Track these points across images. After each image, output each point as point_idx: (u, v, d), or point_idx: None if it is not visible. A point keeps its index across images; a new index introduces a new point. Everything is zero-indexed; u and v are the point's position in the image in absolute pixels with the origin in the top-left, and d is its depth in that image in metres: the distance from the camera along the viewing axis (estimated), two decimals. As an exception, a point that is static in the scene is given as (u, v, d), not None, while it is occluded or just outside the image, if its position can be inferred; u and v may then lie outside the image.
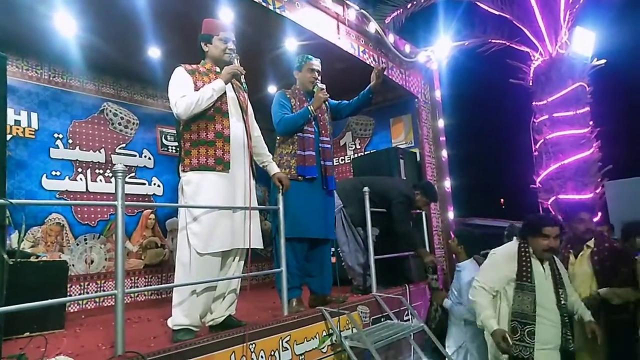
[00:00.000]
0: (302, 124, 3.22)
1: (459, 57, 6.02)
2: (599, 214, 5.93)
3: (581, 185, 5.72)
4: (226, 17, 3.31)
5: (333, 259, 3.77)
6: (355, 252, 4.06)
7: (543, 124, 6.08)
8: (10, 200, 1.68)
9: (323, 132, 3.37)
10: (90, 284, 4.41)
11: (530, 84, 6.40)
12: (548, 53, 6.14)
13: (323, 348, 2.87)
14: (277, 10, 3.44)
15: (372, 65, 4.48)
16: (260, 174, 2.86)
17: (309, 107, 3.22)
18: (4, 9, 3.33)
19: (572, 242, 3.50)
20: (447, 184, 5.50)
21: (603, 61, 6.08)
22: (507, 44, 6.39)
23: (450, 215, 5.43)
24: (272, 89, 5.30)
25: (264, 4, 3.32)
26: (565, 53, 5.97)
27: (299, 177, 3.17)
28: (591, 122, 5.92)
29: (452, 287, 3.79)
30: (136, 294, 4.65)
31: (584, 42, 5.86)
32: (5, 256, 1.77)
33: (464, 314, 3.53)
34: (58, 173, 4.32)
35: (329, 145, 3.41)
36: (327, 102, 3.41)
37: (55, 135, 4.36)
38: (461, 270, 3.66)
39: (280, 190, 2.89)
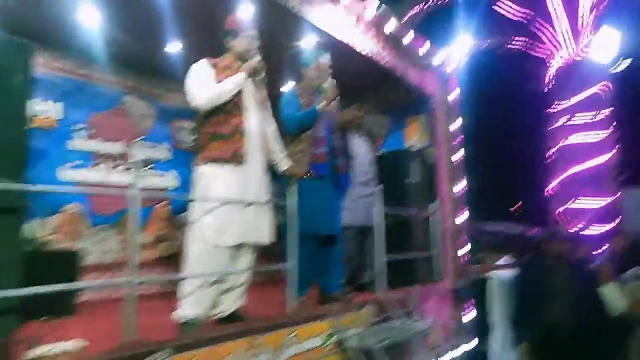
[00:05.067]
0: (310, 124, 3.20)
1: (476, 58, 5.97)
2: (616, 221, 5.82)
3: (598, 191, 5.62)
4: (247, 13, 3.33)
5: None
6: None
7: (561, 127, 5.99)
8: (27, 185, 1.73)
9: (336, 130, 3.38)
10: (104, 274, 4.49)
11: (550, 86, 6.32)
12: (569, 55, 6.04)
13: (328, 345, 2.89)
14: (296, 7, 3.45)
15: (387, 65, 4.46)
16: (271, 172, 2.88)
17: (316, 108, 3.19)
18: (32, 0, 3.41)
19: None
20: (461, 186, 5.46)
21: (628, 61, 5.95)
22: (527, 44, 6.30)
23: (463, 218, 5.39)
24: (288, 86, 5.32)
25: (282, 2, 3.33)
26: (586, 55, 5.87)
27: (311, 175, 3.19)
28: (614, 124, 5.79)
29: None
30: (145, 286, 4.70)
31: (608, 43, 5.73)
32: (23, 242, 1.83)
33: None
34: (77, 163, 4.41)
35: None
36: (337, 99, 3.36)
37: (77, 125, 4.45)
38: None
39: (292, 181, 2.90)
